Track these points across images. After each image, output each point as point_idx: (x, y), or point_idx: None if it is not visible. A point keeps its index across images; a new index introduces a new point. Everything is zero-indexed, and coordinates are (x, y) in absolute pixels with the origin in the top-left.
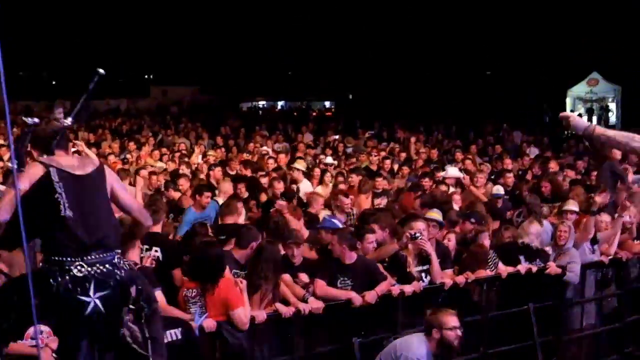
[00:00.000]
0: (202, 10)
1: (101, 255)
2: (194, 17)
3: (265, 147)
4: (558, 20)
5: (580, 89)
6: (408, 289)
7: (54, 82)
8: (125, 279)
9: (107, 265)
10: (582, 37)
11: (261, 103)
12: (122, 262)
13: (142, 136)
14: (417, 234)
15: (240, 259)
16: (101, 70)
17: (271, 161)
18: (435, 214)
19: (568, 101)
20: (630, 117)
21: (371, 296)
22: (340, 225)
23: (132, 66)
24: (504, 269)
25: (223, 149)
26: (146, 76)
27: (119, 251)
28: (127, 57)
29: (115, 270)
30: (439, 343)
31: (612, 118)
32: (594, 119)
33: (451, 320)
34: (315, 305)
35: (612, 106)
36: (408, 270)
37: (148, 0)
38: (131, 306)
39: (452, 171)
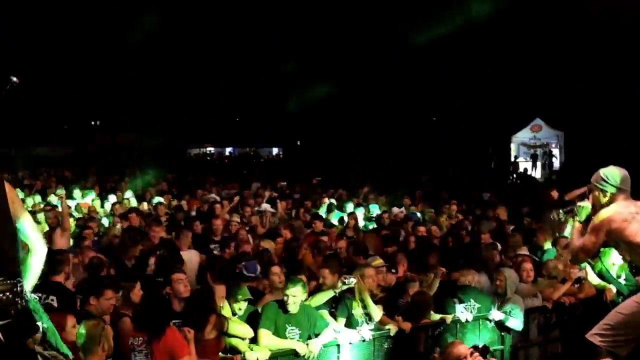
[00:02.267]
0: (149, 57)
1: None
2: (143, 63)
3: (212, 195)
4: (502, 66)
5: (524, 135)
6: (354, 338)
7: None
8: (29, 310)
9: (7, 293)
10: (525, 83)
11: (209, 149)
12: (26, 292)
13: (88, 182)
14: (349, 281)
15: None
16: (14, 78)
17: (218, 206)
18: (380, 261)
19: (513, 147)
20: (573, 161)
21: (315, 346)
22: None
23: (79, 113)
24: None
25: (170, 196)
26: (93, 122)
27: (20, 279)
28: (74, 104)
29: (17, 299)
30: None
31: (556, 163)
32: (538, 164)
33: (463, 348)
34: (262, 355)
35: (556, 152)
36: (352, 312)
37: (91, 48)
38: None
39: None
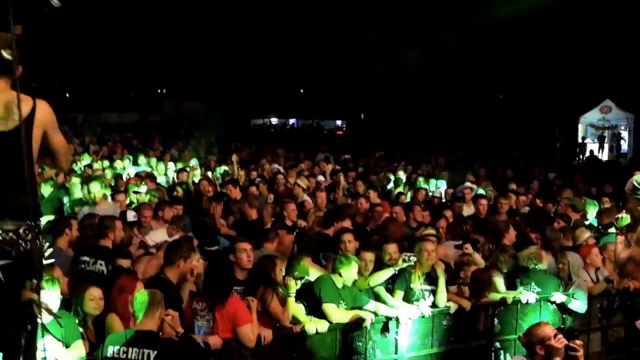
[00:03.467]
0: (216, 27)
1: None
2: (209, 34)
3: (275, 165)
4: (572, 46)
5: (592, 116)
6: (413, 314)
7: (67, 94)
8: (31, 253)
9: (10, 233)
10: (596, 63)
11: (273, 120)
12: (31, 235)
13: (153, 149)
14: (411, 259)
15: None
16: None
17: (281, 177)
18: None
19: (580, 128)
20: None
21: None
22: None
23: (145, 81)
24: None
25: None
26: (159, 91)
27: (32, 224)
28: (141, 73)
29: (20, 241)
30: (546, 358)
31: (624, 146)
32: (606, 146)
33: (549, 329)
34: (321, 326)
35: (625, 134)
36: (412, 285)
37: (162, 17)
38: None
39: None
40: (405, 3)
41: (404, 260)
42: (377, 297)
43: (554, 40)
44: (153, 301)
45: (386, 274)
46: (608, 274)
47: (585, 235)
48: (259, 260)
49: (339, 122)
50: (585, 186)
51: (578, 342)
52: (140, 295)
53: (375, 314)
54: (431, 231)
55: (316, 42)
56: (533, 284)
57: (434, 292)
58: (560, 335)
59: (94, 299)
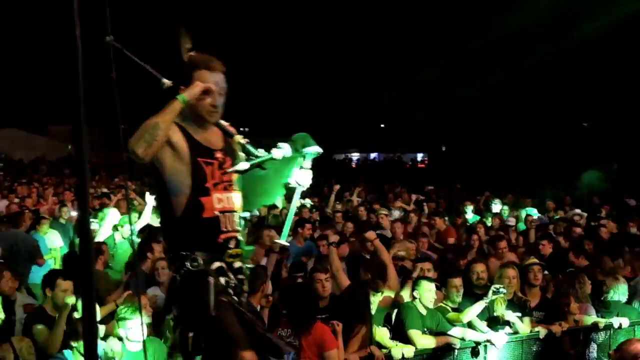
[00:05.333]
0: (297, 64)
1: None
2: (290, 70)
3: (357, 197)
4: None
5: None
6: (502, 340)
7: None
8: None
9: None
10: None
11: (354, 155)
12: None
13: None
14: (501, 290)
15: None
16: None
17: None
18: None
19: None
20: None
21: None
22: None
23: (229, 119)
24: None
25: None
26: (240, 129)
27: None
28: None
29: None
30: None
31: None
32: None
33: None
34: (407, 350)
35: None
36: (494, 314)
37: (241, 49)
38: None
39: None
40: (483, 29)
41: (494, 292)
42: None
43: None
44: None
45: (478, 307)
46: None
47: None
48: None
49: (420, 155)
50: None
51: None
52: None
53: (463, 339)
54: (535, 260)
55: (396, 77)
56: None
57: (518, 319)
58: None
59: None
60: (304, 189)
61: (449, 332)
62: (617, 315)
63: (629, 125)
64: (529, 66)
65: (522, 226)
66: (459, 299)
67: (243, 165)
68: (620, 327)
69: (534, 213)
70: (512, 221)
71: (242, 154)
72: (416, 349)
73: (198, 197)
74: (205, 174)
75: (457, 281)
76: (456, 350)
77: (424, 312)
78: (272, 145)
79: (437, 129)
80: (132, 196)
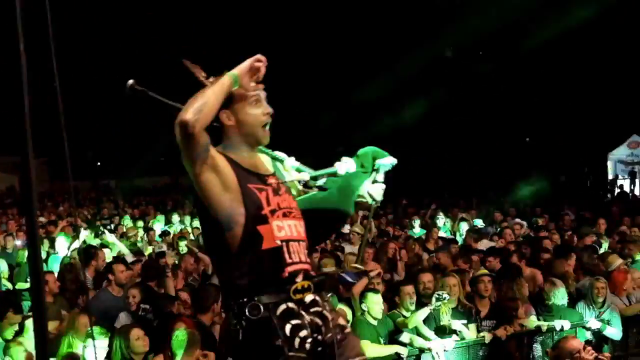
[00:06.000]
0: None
1: None
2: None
3: None
4: (597, 83)
5: (621, 152)
6: (448, 345)
7: (98, 163)
8: None
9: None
10: (621, 99)
11: None
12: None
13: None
14: (444, 296)
15: None
16: (130, 82)
17: None
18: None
19: (609, 165)
20: None
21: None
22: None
23: (174, 145)
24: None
25: None
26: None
27: None
28: (170, 137)
29: None
30: None
31: None
32: (637, 181)
33: (577, 342)
34: None
35: None
36: (441, 323)
37: (190, 83)
38: None
39: None
40: (424, 49)
41: (437, 299)
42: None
43: (576, 77)
44: (192, 341)
45: (422, 314)
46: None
47: (618, 261)
48: None
49: None
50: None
51: (607, 354)
52: (180, 334)
53: (411, 345)
54: (484, 271)
55: (335, 98)
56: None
57: (464, 326)
58: (590, 348)
59: (139, 338)
60: (378, 204)
61: (399, 338)
62: (560, 318)
63: (568, 139)
64: (472, 82)
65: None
66: (412, 307)
67: (304, 176)
68: (562, 329)
69: (480, 224)
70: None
71: (296, 179)
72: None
73: (255, 226)
74: (259, 201)
75: (409, 288)
76: (404, 358)
77: (374, 322)
78: None
79: (383, 146)
80: (78, 223)
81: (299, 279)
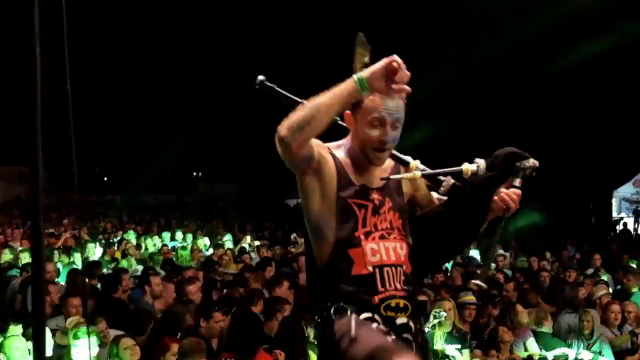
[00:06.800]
0: (248, 113)
1: None
2: (241, 118)
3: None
4: (603, 119)
5: (626, 190)
6: None
7: (105, 178)
8: None
9: None
10: (627, 136)
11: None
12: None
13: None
14: (440, 314)
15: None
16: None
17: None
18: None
19: (614, 202)
20: None
21: None
22: None
23: (181, 164)
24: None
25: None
26: (194, 174)
27: None
28: (177, 156)
29: None
30: None
31: None
32: None
33: None
34: None
35: None
36: (435, 348)
37: (196, 104)
38: None
39: None
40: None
41: (434, 317)
42: None
43: (580, 113)
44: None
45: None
46: (633, 328)
47: (601, 291)
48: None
49: None
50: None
51: None
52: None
53: None
54: (471, 298)
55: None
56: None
57: (458, 351)
58: None
59: (127, 348)
60: (509, 214)
61: None
62: (545, 346)
63: (574, 176)
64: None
65: None
66: None
67: (415, 174)
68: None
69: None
70: None
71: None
72: None
73: (346, 248)
74: (355, 219)
75: None
76: None
77: None
78: None
79: None
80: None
81: (392, 304)
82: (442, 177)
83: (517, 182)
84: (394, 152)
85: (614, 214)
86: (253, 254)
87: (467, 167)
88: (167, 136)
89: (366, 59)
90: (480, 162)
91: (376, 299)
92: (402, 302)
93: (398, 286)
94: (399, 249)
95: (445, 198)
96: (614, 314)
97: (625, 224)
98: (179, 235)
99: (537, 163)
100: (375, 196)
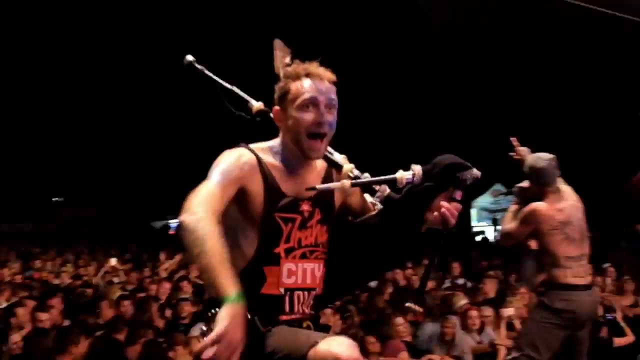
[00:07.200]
0: (113, 136)
1: None
2: (107, 142)
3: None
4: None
5: (485, 200)
6: None
7: None
8: None
9: None
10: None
11: (172, 222)
12: None
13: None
14: None
15: None
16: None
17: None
18: None
19: (473, 212)
20: None
21: None
22: None
23: (39, 191)
24: None
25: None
26: (54, 199)
27: None
28: (34, 182)
29: None
30: None
31: None
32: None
33: None
34: None
35: None
36: None
37: (56, 129)
38: None
39: None
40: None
41: None
42: None
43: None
44: None
45: None
46: (493, 339)
47: (462, 301)
48: None
49: None
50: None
51: None
52: None
53: None
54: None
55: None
56: None
57: None
58: None
59: None
60: (449, 231)
61: None
62: None
63: None
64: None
65: None
66: None
67: (345, 183)
68: None
69: None
70: None
71: (336, 187)
72: None
73: (262, 264)
74: (280, 234)
75: None
76: None
77: None
78: None
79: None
80: None
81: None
82: (375, 187)
83: (458, 194)
84: (329, 151)
85: (473, 223)
86: (116, 279)
87: (402, 175)
88: (24, 160)
89: (287, 60)
90: (417, 169)
91: (282, 318)
92: (305, 324)
93: (306, 310)
94: (316, 270)
95: (379, 206)
96: (471, 319)
97: (483, 232)
98: (37, 264)
99: (479, 174)
100: (305, 207)
